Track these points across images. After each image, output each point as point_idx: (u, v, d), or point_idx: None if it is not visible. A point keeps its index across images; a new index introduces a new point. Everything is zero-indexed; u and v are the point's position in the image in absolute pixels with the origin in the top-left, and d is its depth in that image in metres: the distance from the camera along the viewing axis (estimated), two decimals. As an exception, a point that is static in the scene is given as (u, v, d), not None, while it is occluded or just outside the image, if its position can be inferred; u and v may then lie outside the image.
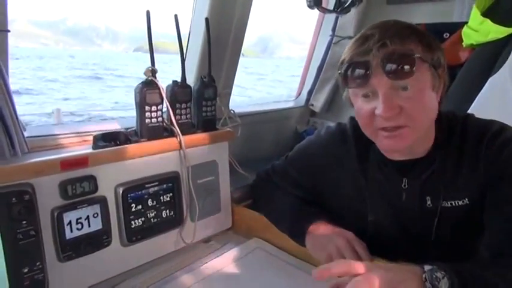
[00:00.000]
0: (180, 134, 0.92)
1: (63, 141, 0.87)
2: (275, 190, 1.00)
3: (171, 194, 0.92)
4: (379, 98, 0.68)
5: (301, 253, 0.89)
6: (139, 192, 0.86)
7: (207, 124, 1.03)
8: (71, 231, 0.75)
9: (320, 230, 0.84)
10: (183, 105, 0.96)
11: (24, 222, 0.67)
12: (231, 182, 1.09)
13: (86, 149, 0.81)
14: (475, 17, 1.13)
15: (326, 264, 0.57)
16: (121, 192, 0.83)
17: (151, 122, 0.89)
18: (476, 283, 0.56)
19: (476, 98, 1.07)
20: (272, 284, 0.83)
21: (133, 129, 0.91)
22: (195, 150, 0.97)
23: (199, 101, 1.01)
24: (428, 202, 0.77)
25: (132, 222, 0.85)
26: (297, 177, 0.96)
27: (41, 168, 0.71)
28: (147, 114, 0.88)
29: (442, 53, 0.72)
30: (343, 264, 0.57)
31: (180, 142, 0.92)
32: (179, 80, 0.97)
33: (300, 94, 1.77)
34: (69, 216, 0.74)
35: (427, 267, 0.57)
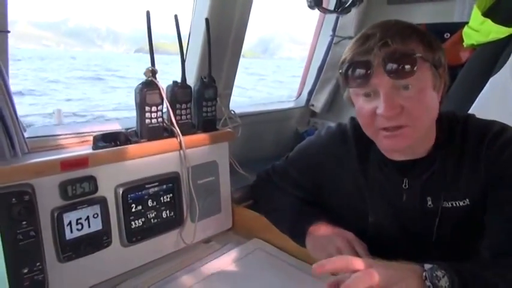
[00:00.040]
0: (180, 135, 0.92)
1: (63, 142, 0.87)
2: (275, 190, 1.00)
3: (171, 195, 0.92)
4: (380, 97, 0.68)
5: (301, 254, 0.89)
6: (140, 193, 0.86)
7: (207, 124, 1.03)
8: (71, 231, 0.75)
9: (320, 230, 0.83)
10: (183, 106, 0.96)
11: (24, 222, 0.67)
12: (232, 183, 1.09)
13: (86, 150, 0.81)
14: (476, 17, 1.13)
15: (326, 259, 0.57)
16: (121, 192, 0.83)
17: (151, 123, 0.89)
18: (476, 282, 0.56)
19: (477, 98, 1.07)
20: (272, 285, 0.83)
21: (133, 129, 0.91)
22: (195, 150, 0.97)
23: (200, 102, 1.01)
24: (429, 202, 0.77)
25: (132, 222, 0.85)
26: (297, 177, 0.96)
27: (41, 168, 0.71)
28: (147, 114, 0.88)
29: (442, 52, 0.72)
30: (342, 260, 0.57)
31: (180, 142, 0.92)
32: (179, 80, 0.97)
33: (300, 94, 1.77)
34: (69, 217, 0.75)
35: (427, 266, 0.57)
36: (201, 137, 0.99)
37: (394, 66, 0.65)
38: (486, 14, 1.10)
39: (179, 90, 0.95)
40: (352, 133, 0.86)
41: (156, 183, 0.89)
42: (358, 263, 0.55)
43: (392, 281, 0.53)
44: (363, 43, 0.69)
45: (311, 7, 1.35)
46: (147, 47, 0.89)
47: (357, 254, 0.76)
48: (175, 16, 0.93)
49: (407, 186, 0.78)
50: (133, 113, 0.91)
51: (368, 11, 1.64)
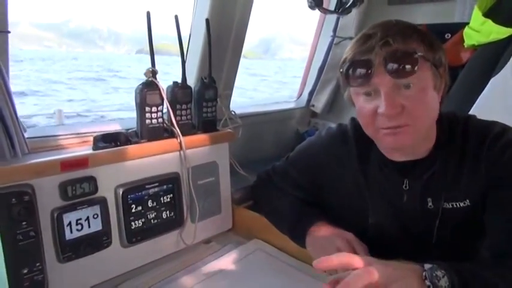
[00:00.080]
0: (181, 135, 0.92)
1: (63, 142, 0.87)
2: (275, 191, 1.00)
3: (171, 195, 0.92)
4: (381, 96, 0.68)
5: (301, 254, 0.89)
6: (140, 193, 0.86)
7: (208, 125, 1.03)
8: (71, 232, 0.75)
9: (320, 231, 0.83)
10: (184, 106, 0.96)
11: (24, 223, 0.67)
12: (232, 183, 1.09)
13: (86, 150, 0.81)
14: (477, 18, 1.13)
15: (325, 256, 0.57)
16: (121, 193, 0.83)
17: (151, 123, 0.89)
18: (476, 282, 0.56)
19: (478, 99, 1.06)
20: (272, 285, 0.83)
21: (133, 130, 0.91)
22: (195, 151, 0.97)
23: (200, 102, 1.01)
24: (430, 203, 0.76)
25: (132, 223, 0.85)
26: (298, 178, 0.96)
27: (41, 169, 0.71)
28: (148, 115, 0.88)
29: (443, 52, 0.72)
30: (343, 257, 0.57)
31: (180, 143, 0.92)
32: (179, 81, 0.97)
33: (301, 95, 1.77)
34: (69, 217, 0.75)
35: (427, 266, 0.56)
36: (201, 137, 0.99)
37: (395, 65, 0.65)
38: (487, 14, 1.10)
39: (179, 90, 0.95)
40: (352, 133, 0.86)
41: (156, 184, 0.89)
42: (358, 261, 0.55)
43: (392, 279, 0.53)
44: (363, 42, 0.69)
45: (311, 7, 1.35)
46: (148, 48, 0.89)
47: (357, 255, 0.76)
48: (176, 17, 0.93)
49: (407, 187, 0.78)
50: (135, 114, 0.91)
51: (368, 11, 1.64)
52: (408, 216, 0.79)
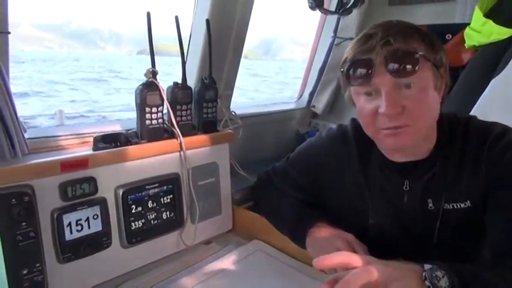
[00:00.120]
0: (181, 136, 0.92)
1: (63, 143, 0.87)
2: (276, 192, 1.00)
3: (171, 196, 0.92)
4: (382, 96, 0.68)
5: (301, 255, 0.88)
6: (140, 194, 0.86)
7: (208, 126, 1.03)
8: (71, 232, 0.75)
9: (321, 232, 0.83)
10: (184, 107, 0.96)
11: (23, 223, 0.67)
12: (232, 184, 1.08)
13: (86, 151, 0.81)
14: (478, 18, 1.12)
15: (325, 255, 0.57)
16: (121, 193, 0.83)
17: (151, 124, 0.89)
18: (476, 283, 0.56)
19: (479, 100, 1.06)
20: (272, 286, 0.83)
21: (133, 130, 0.91)
22: (195, 151, 0.97)
23: (200, 103, 1.01)
24: (430, 204, 0.76)
25: (132, 223, 0.85)
26: (298, 178, 0.96)
27: (41, 169, 0.71)
28: (148, 115, 0.88)
29: (444, 53, 0.72)
30: (342, 256, 0.57)
31: (180, 144, 0.92)
32: (180, 81, 0.97)
33: (301, 96, 1.77)
34: (69, 218, 0.75)
35: (427, 266, 0.56)
36: (201, 138, 0.99)
37: (396, 65, 0.65)
38: (488, 15, 1.10)
39: (179, 91, 0.95)
40: (353, 134, 0.86)
41: (156, 185, 0.89)
42: (357, 260, 0.55)
43: (391, 278, 0.53)
44: (364, 42, 0.69)
45: (312, 8, 1.35)
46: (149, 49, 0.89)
47: (357, 256, 0.76)
48: (176, 17, 0.93)
49: (408, 188, 0.78)
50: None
51: (369, 12, 1.64)
52: (408, 217, 0.79)
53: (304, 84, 1.77)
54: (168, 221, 0.92)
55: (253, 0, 1.17)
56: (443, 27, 1.35)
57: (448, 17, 1.43)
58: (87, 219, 0.77)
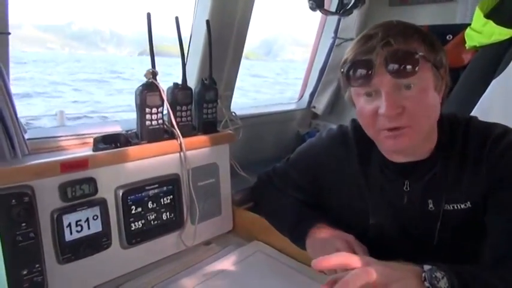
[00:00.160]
0: (181, 136, 0.92)
1: (63, 143, 0.87)
2: (276, 192, 0.99)
3: (171, 197, 0.92)
4: (382, 97, 0.68)
5: (301, 256, 0.88)
6: (140, 195, 0.86)
7: (208, 126, 1.03)
8: (71, 233, 0.75)
9: (321, 233, 0.83)
10: (184, 108, 0.96)
11: (23, 224, 0.67)
12: (232, 185, 1.08)
13: (86, 151, 0.81)
14: (478, 19, 1.12)
15: (324, 256, 0.56)
16: (121, 194, 0.83)
17: (151, 124, 0.89)
18: (476, 284, 0.56)
19: (480, 100, 1.06)
20: (272, 287, 0.83)
21: (133, 131, 0.91)
22: (195, 152, 0.97)
23: (200, 103, 1.01)
24: (430, 205, 0.76)
25: (132, 224, 0.85)
26: (298, 179, 0.96)
27: (40, 170, 0.71)
28: (148, 116, 0.88)
29: (444, 53, 0.72)
30: (341, 256, 0.57)
31: (180, 144, 0.92)
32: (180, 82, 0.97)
33: (302, 96, 1.77)
34: (68, 219, 0.75)
35: (426, 267, 0.56)
36: (201, 138, 0.99)
37: (396, 65, 0.65)
38: (488, 15, 1.09)
39: (180, 92, 0.95)
40: (353, 135, 0.86)
41: (156, 185, 0.89)
42: (356, 261, 0.55)
43: (391, 279, 0.53)
44: (364, 43, 0.69)
45: (313, 9, 1.35)
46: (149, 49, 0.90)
47: (357, 257, 0.76)
48: (176, 18, 0.93)
49: (408, 188, 0.78)
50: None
51: (370, 12, 1.63)
52: (408, 218, 0.79)
53: (304, 85, 1.77)
54: (168, 222, 0.92)
55: (254, 1, 1.17)
56: (444, 28, 1.35)
57: (449, 18, 1.42)
58: (87, 219, 0.77)
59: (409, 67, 0.65)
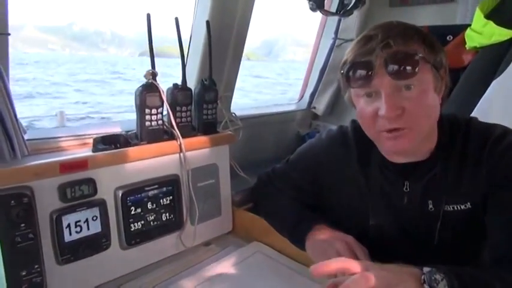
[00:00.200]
0: (180, 137, 0.92)
1: (63, 144, 0.87)
2: (276, 193, 0.99)
3: (170, 197, 0.92)
4: (382, 98, 0.68)
5: (301, 257, 0.88)
6: (139, 195, 0.86)
7: (208, 127, 1.02)
8: (70, 234, 0.75)
9: (320, 234, 0.83)
10: (184, 108, 0.96)
11: (22, 225, 0.67)
12: (232, 185, 1.08)
13: (85, 152, 0.81)
14: (479, 19, 1.12)
15: (323, 262, 0.56)
16: (120, 195, 0.82)
17: (151, 125, 0.89)
18: (476, 286, 0.55)
19: (480, 101, 1.06)
20: (272, 288, 0.83)
21: (133, 132, 0.91)
22: (195, 153, 0.97)
23: (200, 104, 1.01)
24: (430, 206, 0.76)
25: (132, 225, 0.85)
26: (298, 179, 0.96)
27: (40, 170, 0.71)
28: (147, 117, 0.88)
29: (444, 54, 0.72)
30: (340, 262, 0.56)
31: (180, 145, 0.92)
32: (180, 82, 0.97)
33: (302, 97, 1.77)
34: (68, 219, 0.75)
35: (426, 269, 0.56)
36: (201, 139, 0.99)
37: (396, 67, 0.65)
38: (489, 16, 1.09)
39: (179, 92, 0.95)
40: (353, 135, 0.86)
41: (156, 186, 0.89)
42: (355, 266, 0.55)
43: (390, 283, 0.52)
44: (364, 44, 0.69)
45: (313, 10, 1.35)
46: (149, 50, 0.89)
47: (357, 258, 0.75)
48: (176, 19, 0.93)
49: (408, 189, 0.78)
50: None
51: (370, 13, 1.63)
52: (408, 218, 0.79)
53: (305, 86, 1.77)
54: (168, 223, 0.92)
55: (254, 1, 1.17)
56: (444, 29, 1.35)
57: (449, 18, 1.42)
58: (86, 220, 0.77)
59: (408, 68, 0.65)
